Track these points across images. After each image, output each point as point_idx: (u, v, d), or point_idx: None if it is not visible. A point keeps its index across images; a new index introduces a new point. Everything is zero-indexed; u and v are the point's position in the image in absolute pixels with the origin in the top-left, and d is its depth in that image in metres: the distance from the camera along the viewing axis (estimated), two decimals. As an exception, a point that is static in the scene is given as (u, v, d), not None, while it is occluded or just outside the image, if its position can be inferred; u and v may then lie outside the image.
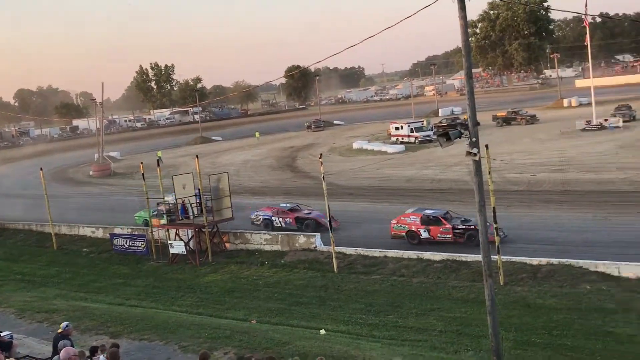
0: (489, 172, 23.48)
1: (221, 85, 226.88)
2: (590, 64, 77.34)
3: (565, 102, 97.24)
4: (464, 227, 29.16)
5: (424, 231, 29.87)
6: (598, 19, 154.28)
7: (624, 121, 65.79)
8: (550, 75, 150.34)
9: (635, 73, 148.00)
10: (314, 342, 18.30)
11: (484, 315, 16.23)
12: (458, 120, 69.88)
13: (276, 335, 19.15)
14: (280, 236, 32.64)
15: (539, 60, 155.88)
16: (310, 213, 35.39)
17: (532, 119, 78.64)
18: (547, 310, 20.50)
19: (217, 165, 65.95)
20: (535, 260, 24.53)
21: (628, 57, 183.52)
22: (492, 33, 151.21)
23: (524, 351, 17.29)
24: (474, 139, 15.47)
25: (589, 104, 71.92)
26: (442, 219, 29.78)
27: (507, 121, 79.01)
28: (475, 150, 15.47)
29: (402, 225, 30.49)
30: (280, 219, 35.39)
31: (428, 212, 30.61)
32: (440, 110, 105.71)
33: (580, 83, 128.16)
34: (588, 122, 65.92)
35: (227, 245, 34.24)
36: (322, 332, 20.13)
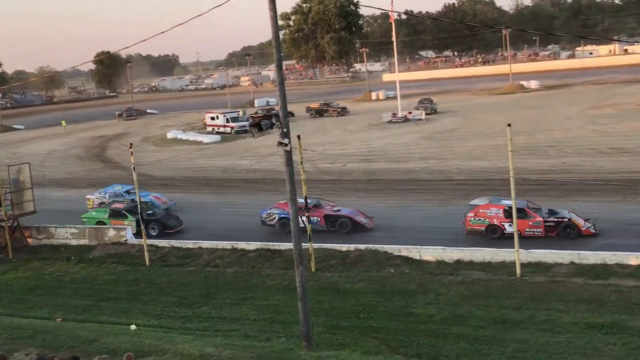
0: (301, 162, 23.98)
1: (24, 71, 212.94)
2: (395, 59, 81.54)
3: (374, 95, 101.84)
4: (556, 219, 26.04)
5: (510, 225, 25.60)
6: (403, 16, 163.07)
7: (426, 114, 70.26)
8: (360, 69, 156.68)
9: (437, 68, 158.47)
10: (124, 337, 17.69)
11: (296, 301, 16.59)
12: (273, 111, 70.90)
13: (83, 332, 18.27)
14: (87, 230, 31.22)
15: (349, 54, 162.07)
16: (339, 210, 30.03)
17: (343, 111, 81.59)
18: (356, 294, 21.35)
19: (18, 156, 61.72)
20: (344, 247, 25.45)
21: (430, 53, 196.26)
22: (305, 26, 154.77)
23: (333, 335, 17.85)
24: (285, 130, 15.72)
25: (395, 97, 75.85)
26: (530, 211, 26.32)
27: (319, 113, 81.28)
28: (286, 141, 15.75)
29: (482, 219, 26.70)
30: (304, 217, 29.35)
31: (506, 202, 26.45)
32: (255, 100, 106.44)
33: (387, 77, 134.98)
34: (394, 115, 69.52)
35: (29, 240, 32.15)
36: (133, 327, 19.51)
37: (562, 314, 18.09)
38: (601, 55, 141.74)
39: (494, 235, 26.35)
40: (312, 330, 16.77)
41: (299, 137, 22.10)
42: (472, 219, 26.89)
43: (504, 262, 22.61)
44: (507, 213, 25.68)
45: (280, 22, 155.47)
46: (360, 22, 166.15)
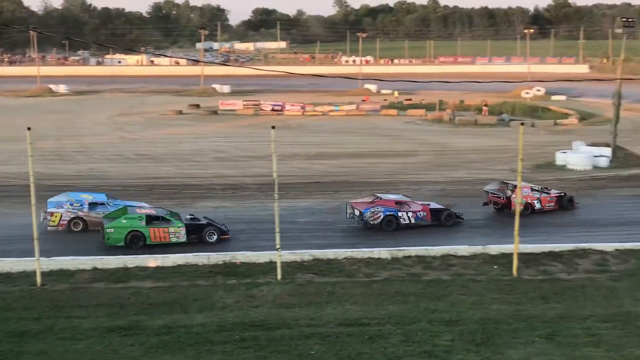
0: None
1: None
2: None
3: None
4: (557, 194, 30.70)
5: (537, 202, 30.01)
6: None
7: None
8: None
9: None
10: None
11: None
12: None
13: None
14: None
15: None
16: (428, 204, 29.02)
17: None
18: None
19: None
20: None
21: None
22: None
23: None
24: None
25: None
26: (547, 190, 30.76)
27: None
28: None
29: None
30: (410, 214, 27.71)
31: (524, 183, 28.62)
32: None
33: None
34: None
35: None
36: None
37: (83, 320, 17.98)
38: (130, 64, 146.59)
39: (526, 212, 28.65)
40: None
41: None
42: (515, 199, 28.49)
43: (25, 272, 21.53)
44: (534, 191, 30.36)
45: None
46: None
